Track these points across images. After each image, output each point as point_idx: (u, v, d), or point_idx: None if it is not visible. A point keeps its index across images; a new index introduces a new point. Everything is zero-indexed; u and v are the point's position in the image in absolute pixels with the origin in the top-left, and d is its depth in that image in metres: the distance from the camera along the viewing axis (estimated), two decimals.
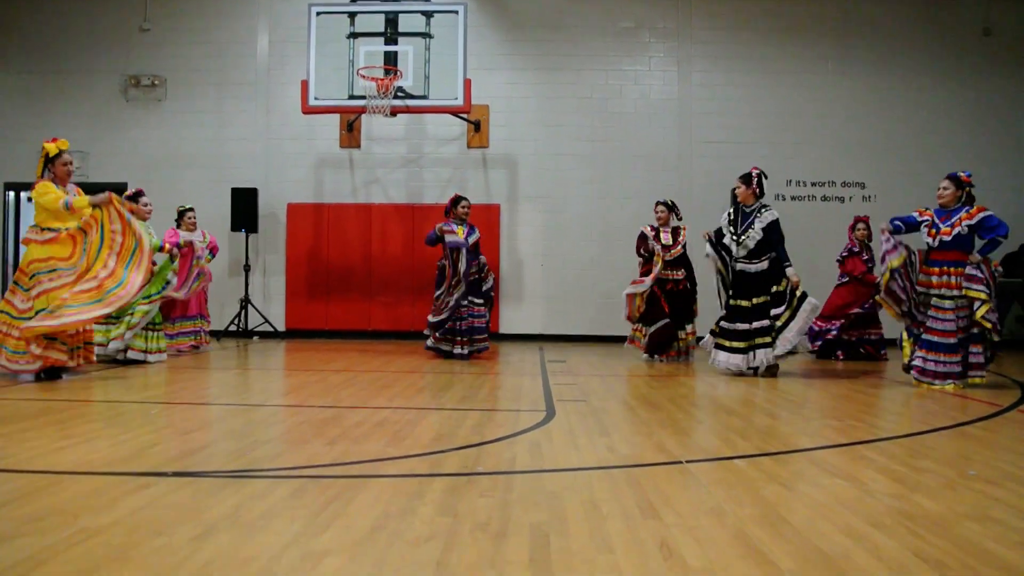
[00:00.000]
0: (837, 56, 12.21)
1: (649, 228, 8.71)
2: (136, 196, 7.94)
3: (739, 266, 7.26)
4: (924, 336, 6.44)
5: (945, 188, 6.53)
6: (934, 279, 6.41)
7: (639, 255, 8.83)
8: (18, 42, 12.61)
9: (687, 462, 3.57)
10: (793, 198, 12.09)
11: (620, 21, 12.35)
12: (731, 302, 7.29)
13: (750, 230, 7.16)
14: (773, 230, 7.12)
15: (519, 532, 2.50)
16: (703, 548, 2.38)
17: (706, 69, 12.27)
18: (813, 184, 12.13)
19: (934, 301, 6.40)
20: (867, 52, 12.17)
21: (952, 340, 6.30)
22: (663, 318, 8.48)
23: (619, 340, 11.01)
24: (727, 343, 7.21)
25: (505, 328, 12.03)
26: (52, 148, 6.27)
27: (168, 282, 7.86)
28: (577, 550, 2.36)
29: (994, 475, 3.37)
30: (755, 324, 7.09)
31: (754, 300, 7.14)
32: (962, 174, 6.55)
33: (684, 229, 8.70)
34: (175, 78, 12.48)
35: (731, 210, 7.42)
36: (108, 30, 12.52)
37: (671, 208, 8.73)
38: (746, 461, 3.62)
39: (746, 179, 7.33)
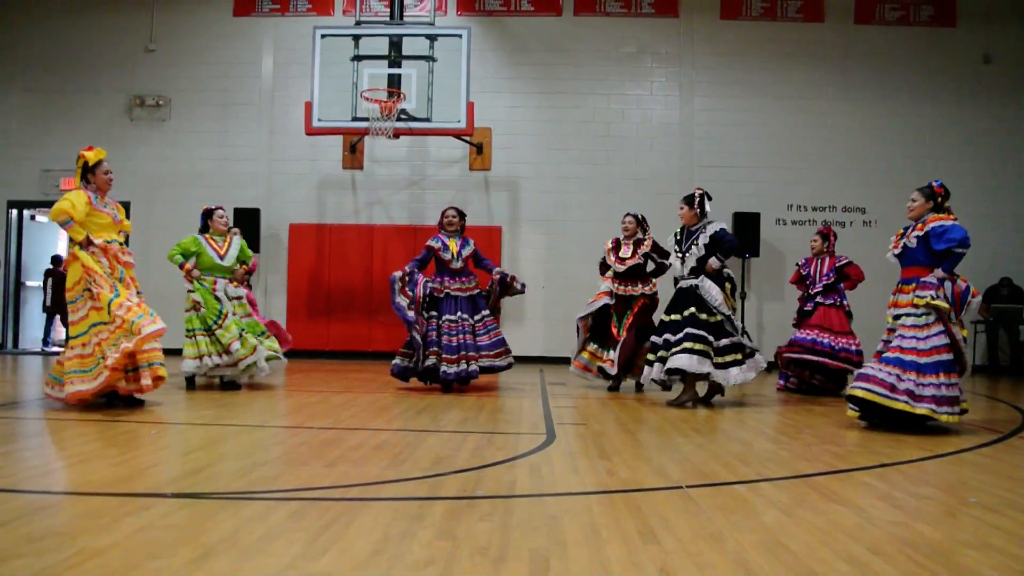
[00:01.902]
0: (838, 82, 12.29)
1: (612, 241, 8.38)
2: (211, 212, 7.86)
3: (681, 283, 7.04)
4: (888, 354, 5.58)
5: (913, 200, 5.73)
6: (892, 298, 5.79)
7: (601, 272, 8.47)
8: (24, 61, 12.70)
9: (687, 487, 3.56)
10: (794, 223, 12.13)
11: (622, 46, 12.43)
12: (663, 317, 7.05)
13: (693, 247, 6.96)
14: (720, 238, 6.90)
15: (519, 556, 2.49)
16: (703, 574, 2.38)
17: (708, 94, 12.35)
18: (814, 209, 12.18)
19: (890, 324, 5.73)
20: (868, 78, 12.25)
21: (923, 360, 5.39)
22: (610, 342, 8.02)
23: None
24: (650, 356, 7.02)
25: None
26: (92, 156, 6.03)
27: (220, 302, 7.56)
28: (577, 575, 2.36)
29: (995, 503, 3.36)
30: (669, 336, 6.82)
31: (684, 313, 6.85)
32: (934, 184, 5.73)
33: (647, 242, 8.18)
34: (179, 98, 12.56)
35: (677, 230, 7.23)
36: (113, 50, 12.62)
37: (640, 221, 8.33)
38: (746, 486, 3.61)
39: (688, 200, 7.14)
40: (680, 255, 7.06)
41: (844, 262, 8.29)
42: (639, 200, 12.00)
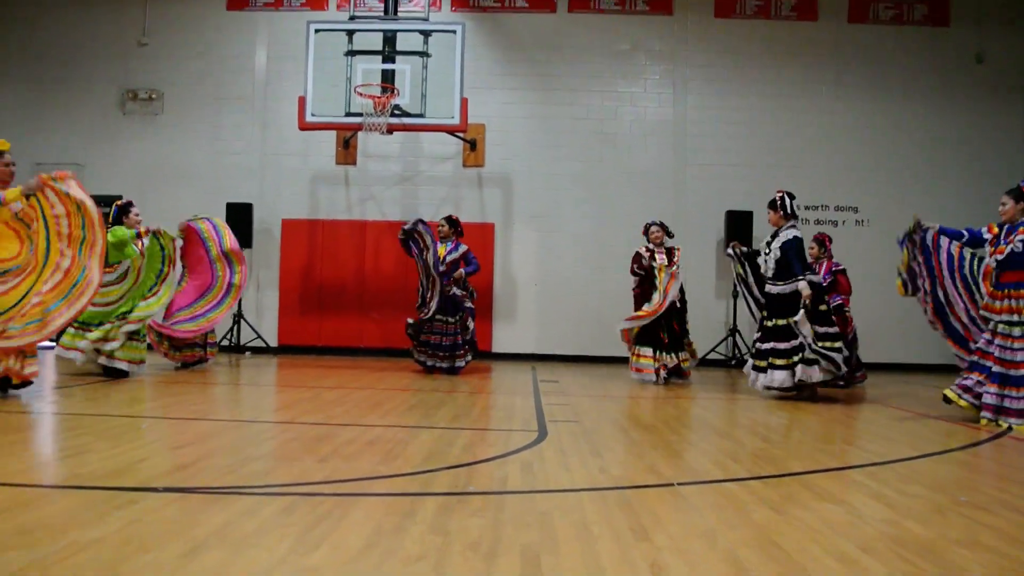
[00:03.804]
0: (831, 81, 12.30)
1: (644, 249, 8.71)
2: (127, 207, 7.94)
3: (766, 287, 7.31)
4: (994, 368, 5.68)
5: (1003, 204, 5.84)
6: (997, 303, 5.75)
7: (633, 274, 8.78)
8: (16, 53, 12.64)
9: (679, 484, 3.57)
10: None
11: (616, 43, 12.43)
12: (764, 322, 7.32)
13: (771, 252, 7.24)
14: (788, 248, 7.08)
15: (510, 552, 2.49)
16: (694, 571, 2.38)
17: (701, 92, 12.35)
18: (807, 208, 12.17)
19: (1001, 328, 5.69)
20: (861, 78, 12.27)
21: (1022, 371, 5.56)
22: (660, 346, 8.44)
23: (612, 361, 11.02)
24: (755, 362, 7.25)
25: (498, 347, 12.03)
26: None
27: (161, 271, 7.74)
28: (568, 571, 2.36)
29: (985, 501, 3.38)
30: (776, 345, 7.07)
31: (776, 322, 7.11)
32: (1022, 184, 5.80)
33: (678, 249, 8.72)
34: (172, 92, 12.51)
35: (769, 236, 7.45)
36: (106, 43, 12.56)
37: (665, 228, 8.78)
38: (738, 484, 3.62)
39: (772, 204, 7.37)
40: (765, 259, 7.34)
41: (839, 268, 8.63)
42: (632, 197, 12.03)
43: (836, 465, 4.17)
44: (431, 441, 4.55)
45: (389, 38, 10.66)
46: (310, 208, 12.36)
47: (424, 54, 10.49)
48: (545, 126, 12.34)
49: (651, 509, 3.10)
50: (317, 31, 10.63)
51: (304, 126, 10.65)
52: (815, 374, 6.89)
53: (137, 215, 7.95)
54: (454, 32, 10.46)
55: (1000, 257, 5.76)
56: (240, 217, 11.73)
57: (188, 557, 2.36)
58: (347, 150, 12.15)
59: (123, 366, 7.50)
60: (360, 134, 11.31)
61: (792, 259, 7.03)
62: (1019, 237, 5.67)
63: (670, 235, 8.80)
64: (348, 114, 10.50)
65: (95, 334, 7.39)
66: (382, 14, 11.15)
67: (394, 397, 6.83)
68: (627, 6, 12.42)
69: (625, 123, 12.36)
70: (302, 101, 10.53)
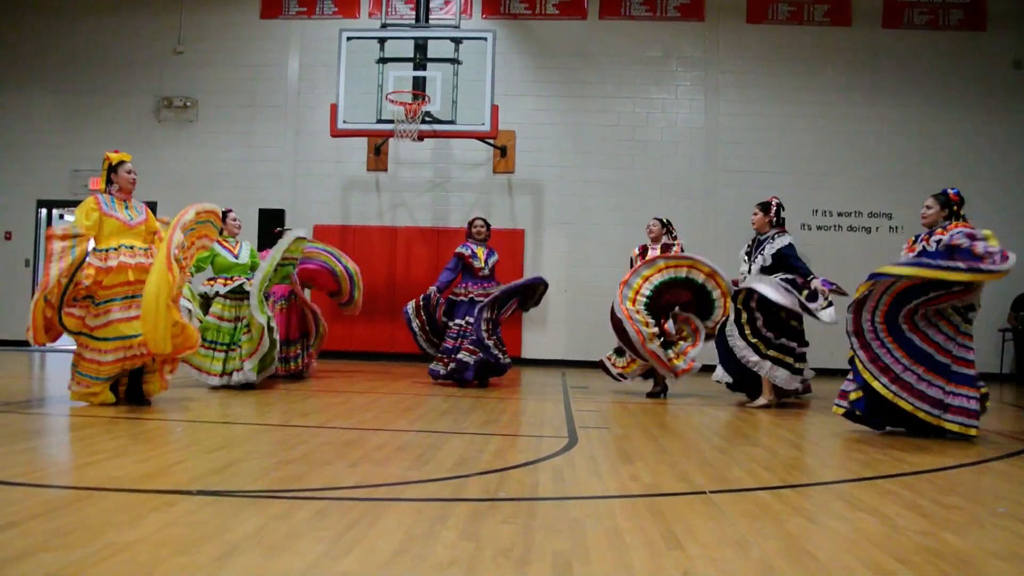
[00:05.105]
0: (865, 87, 12.19)
1: (639, 247, 8.29)
2: (223, 215, 7.96)
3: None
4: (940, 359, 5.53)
5: (928, 207, 5.80)
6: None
7: None
8: (54, 62, 12.86)
9: (711, 492, 3.54)
10: (819, 228, 12.05)
11: (648, 50, 12.40)
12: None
13: (759, 257, 7.08)
14: (785, 256, 6.97)
15: (541, 559, 2.49)
16: None
17: (733, 98, 12.29)
18: (839, 214, 12.09)
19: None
20: (896, 83, 12.15)
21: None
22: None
23: None
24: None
25: (527, 353, 12.03)
26: (115, 157, 6.14)
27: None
28: None
29: (1023, 512, 3.32)
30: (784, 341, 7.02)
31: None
32: (949, 191, 5.83)
33: (676, 247, 8.02)
34: (207, 100, 12.67)
35: (750, 241, 7.34)
36: (142, 52, 12.76)
37: (665, 224, 8.19)
38: (770, 493, 3.59)
39: (764, 206, 7.24)
40: (748, 263, 7.19)
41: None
42: (663, 205, 11.97)
43: (870, 474, 4.12)
44: (461, 446, 4.56)
45: (420, 45, 10.73)
46: (342, 214, 12.45)
47: (455, 61, 10.54)
48: (576, 133, 12.34)
49: (683, 517, 3.08)
50: (349, 39, 10.73)
51: (336, 133, 10.74)
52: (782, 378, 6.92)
53: (235, 220, 8.00)
54: (485, 39, 10.50)
55: (912, 256, 5.67)
56: (272, 223, 11.82)
57: (222, 560, 2.38)
58: (378, 157, 12.24)
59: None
60: (391, 141, 11.39)
61: (795, 264, 6.96)
62: (935, 237, 5.60)
63: (672, 234, 8.18)
64: (379, 121, 10.59)
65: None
66: (413, 22, 11.24)
67: (424, 402, 6.85)
68: (658, 12, 12.40)
69: (656, 130, 12.33)
70: (334, 108, 10.62)
